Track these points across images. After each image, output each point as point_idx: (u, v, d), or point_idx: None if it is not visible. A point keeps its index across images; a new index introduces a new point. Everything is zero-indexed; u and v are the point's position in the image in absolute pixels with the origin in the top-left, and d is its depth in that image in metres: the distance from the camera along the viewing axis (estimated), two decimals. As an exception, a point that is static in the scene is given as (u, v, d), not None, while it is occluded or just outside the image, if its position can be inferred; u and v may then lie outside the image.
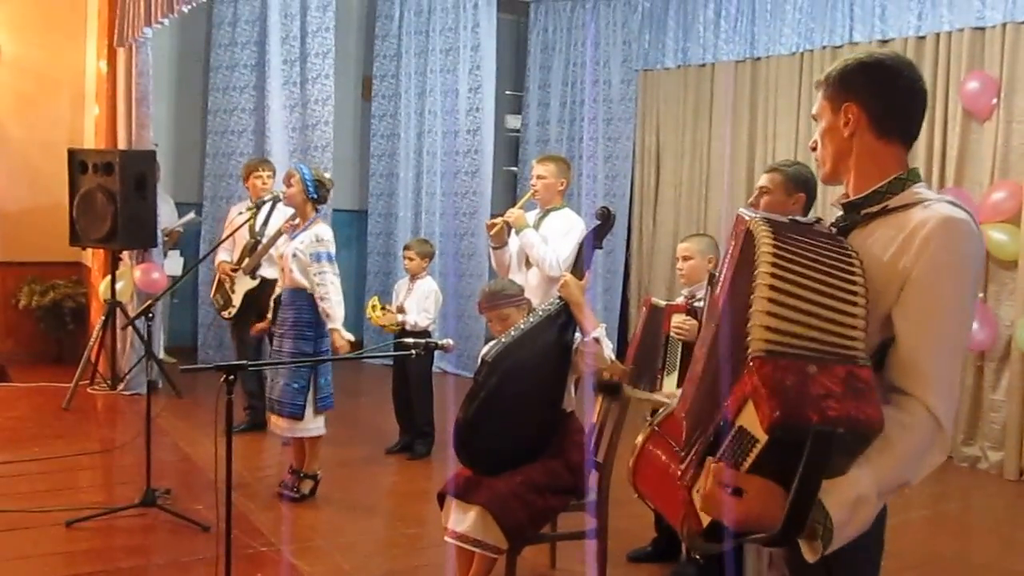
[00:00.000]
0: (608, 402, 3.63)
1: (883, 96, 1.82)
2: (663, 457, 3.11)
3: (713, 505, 1.62)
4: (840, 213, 1.88)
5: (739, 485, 1.57)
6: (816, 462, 1.48)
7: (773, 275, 1.59)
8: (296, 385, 4.54)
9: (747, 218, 1.78)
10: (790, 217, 1.81)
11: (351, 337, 4.65)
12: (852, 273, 1.63)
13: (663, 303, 3.92)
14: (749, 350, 1.54)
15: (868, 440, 1.53)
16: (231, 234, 5.74)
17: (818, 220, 1.85)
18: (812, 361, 1.51)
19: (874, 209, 1.78)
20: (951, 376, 1.69)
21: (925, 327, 1.67)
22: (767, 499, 1.56)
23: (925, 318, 1.67)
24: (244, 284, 5.76)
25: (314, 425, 4.63)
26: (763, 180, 3.36)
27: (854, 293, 1.60)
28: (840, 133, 1.84)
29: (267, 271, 5.70)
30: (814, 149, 1.93)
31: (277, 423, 4.64)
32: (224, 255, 5.92)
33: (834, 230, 1.81)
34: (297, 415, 4.55)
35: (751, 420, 1.52)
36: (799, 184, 3.28)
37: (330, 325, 4.58)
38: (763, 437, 1.50)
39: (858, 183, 1.84)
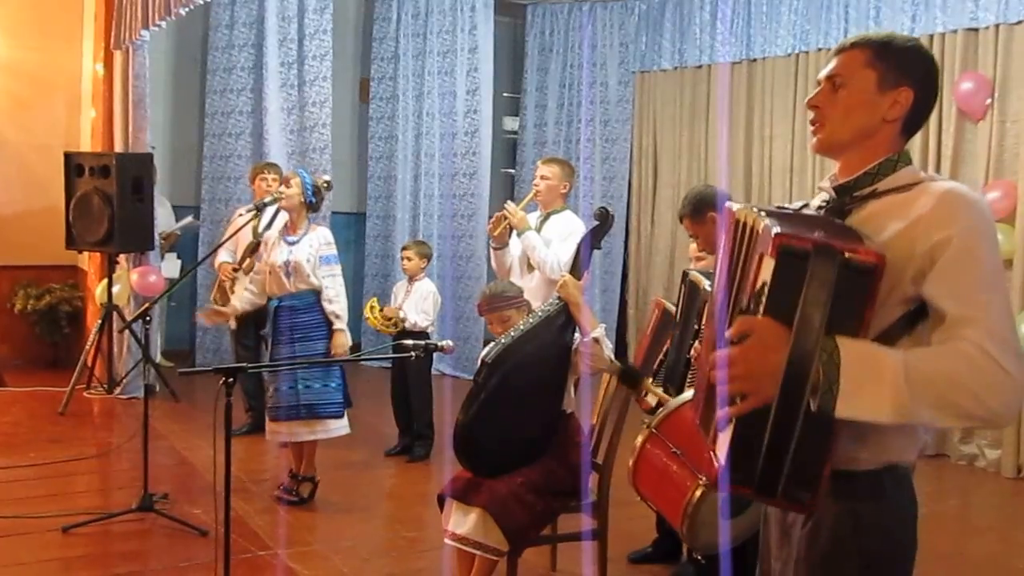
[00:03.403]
0: (624, 392, 3.61)
1: (932, 93, 1.76)
2: (662, 458, 3.12)
3: (723, 360, 1.54)
4: (825, 195, 1.81)
5: (745, 330, 1.53)
6: (817, 286, 1.47)
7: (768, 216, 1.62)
8: (334, 384, 4.61)
9: (735, 209, 1.76)
10: (776, 205, 1.80)
11: (350, 341, 4.70)
12: (847, 225, 1.66)
13: (675, 308, 3.89)
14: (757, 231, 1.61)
15: (869, 280, 1.48)
16: (230, 236, 5.70)
17: (804, 205, 1.83)
18: (819, 229, 1.56)
19: (864, 192, 1.72)
20: (1003, 326, 1.55)
21: (963, 289, 1.56)
22: (772, 331, 1.51)
23: (962, 281, 1.57)
24: (244, 285, 5.71)
25: (342, 423, 4.70)
26: (687, 230, 3.66)
27: (854, 229, 1.63)
28: (880, 113, 1.71)
29: None
30: (815, 108, 1.77)
31: (288, 428, 4.59)
32: (226, 256, 5.90)
33: (822, 213, 1.76)
34: (338, 414, 4.63)
35: (764, 274, 1.53)
36: (703, 208, 3.48)
37: (339, 325, 4.61)
38: (771, 268, 1.49)
39: (857, 166, 1.75)
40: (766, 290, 1.52)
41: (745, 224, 1.70)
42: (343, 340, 4.62)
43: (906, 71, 1.71)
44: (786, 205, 1.81)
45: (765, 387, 1.51)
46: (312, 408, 4.57)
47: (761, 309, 1.53)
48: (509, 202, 4.98)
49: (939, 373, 1.51)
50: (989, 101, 5.76)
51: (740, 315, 1.60)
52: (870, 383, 1.49)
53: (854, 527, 1.66)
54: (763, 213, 1.64)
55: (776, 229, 1.51)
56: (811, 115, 1.78)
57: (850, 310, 1.49)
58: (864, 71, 1.72)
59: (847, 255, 1.47)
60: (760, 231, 1.59)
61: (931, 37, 6.10)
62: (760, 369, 1.51)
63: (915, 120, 1.75)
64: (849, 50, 1.75)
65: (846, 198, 1.73)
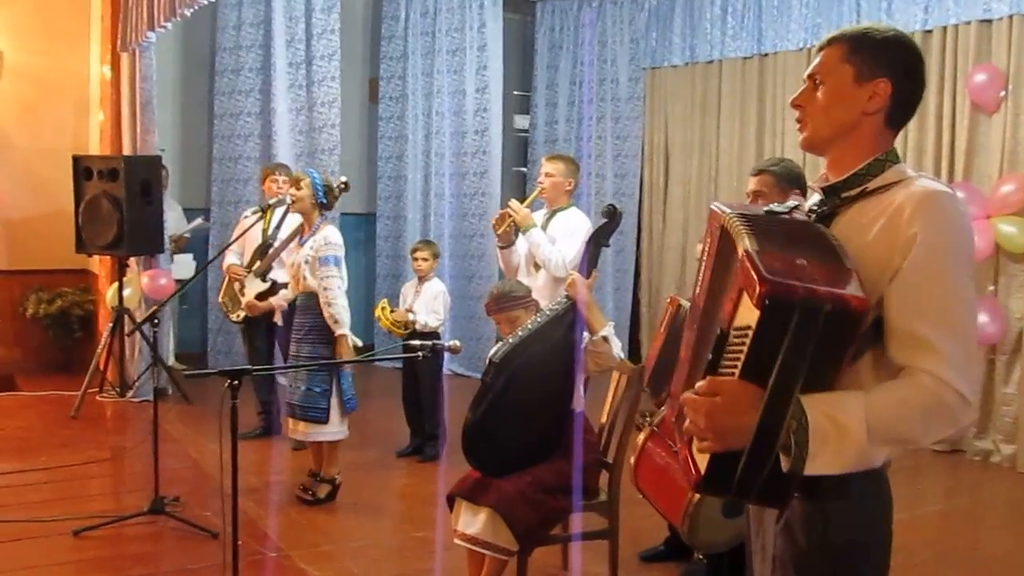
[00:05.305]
0: (634, 390, 3.56)
1: (913, 83, 1.73)
2: (664, 456, 3.09)
3: (692, 407, 1.58)
4: (817, 196, 1.81)
5: (714, 390, 1.55)
6: (800, 341, 1.46)
7: (750, 234, 1.59)
8: (318, 389, 4.54)
9: (720, 212, 1.74)
10: (765, 208, 1.78)
11: (359, 342, 4.63)
12: (832, 239, 1.63)
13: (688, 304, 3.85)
14: (737, 253, 1.57)
15: (853, 329, 1.48)
16: (239, 237, 5.70)
17: (796, 207, 1.81)
18: (802, 256, 1.54)
19: (853, 192, 1.71)
20: (963, 350, 1.58)
21: (924, 303, 1.58)
22: (743, 396, 1.52)
23: (924, 294, 1.58)
24: (254, 287, 5.70)
25: (338, 428, 4.64)
26: (753, 184, 3.37)
27: (838, 248, 1.60)
28: (859, 106, 1.71)
29: (278, 274, 5.63)
30: (799, 107, 1.77)
31: (296, 427, 4.64)
32: (233, 258, 5.89)
33: (812, 216, 1.75)
34: (320, 419, 4.55)
35: (745, 314, 1.51)
36: (791, 181, 3.29)
37: (339, 331, 4.49)
38: (755, 318, 1.47)
39: (845, 163, 1.74)
40: (747, 341, 1.50)
41: (727, 232, 1.68)
42: (345, 347, 4.49)
43: (882, 62, 1.70)
44: (775, 207, 1.77)
45: (730, 443, 1.54)
46: (293, 409, 4.60)
47: (741, 364, 1.52)
48: (513, 200, 4.95)
49: (899, 418, 1.57)
50: (1003, 94, 5.70)
51: (716, 337, 1.60)
52: (834, 443, 1.53)
53: (823, 526, 1.68)
54: (745, 226, 1.62)
55: (761, 270, 1.47)
56: (796, 114, 1.79)
57: (829, 355, 1.51)
58: (841, 66, 1.72)
59: (830, 308, 1.46)
60: (740, 255, 1.56)
61: (944, 29, 6.06)
62: (726, 430, 1.54)
63: (899, 112, 1.74)
64: (828, 47, 1.75)
65: (835, 199, 1.73)
